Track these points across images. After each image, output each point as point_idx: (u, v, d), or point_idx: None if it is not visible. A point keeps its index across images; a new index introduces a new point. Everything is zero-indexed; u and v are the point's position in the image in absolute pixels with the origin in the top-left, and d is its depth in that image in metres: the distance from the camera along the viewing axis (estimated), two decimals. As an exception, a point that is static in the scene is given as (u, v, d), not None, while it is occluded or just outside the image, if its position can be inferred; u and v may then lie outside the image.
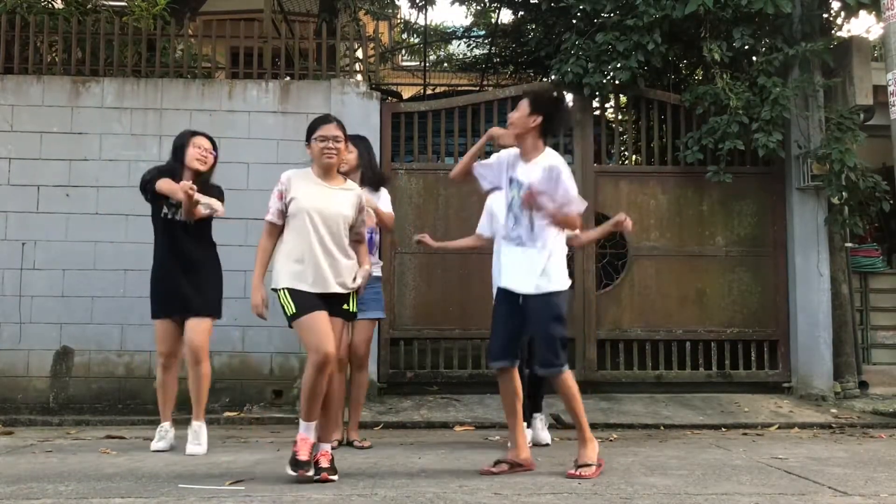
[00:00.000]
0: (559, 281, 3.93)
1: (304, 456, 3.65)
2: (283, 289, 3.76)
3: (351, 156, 4.94)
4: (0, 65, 6.58)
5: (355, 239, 3.97)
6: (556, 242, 3.96)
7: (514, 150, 4.07)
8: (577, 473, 3.79)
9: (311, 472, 3.62)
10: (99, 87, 6.54)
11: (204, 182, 4.66)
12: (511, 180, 4.00)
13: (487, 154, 4.50)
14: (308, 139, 3.90)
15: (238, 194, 5.77)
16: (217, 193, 4.72)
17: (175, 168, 4.67)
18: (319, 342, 3.65)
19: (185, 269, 4.63)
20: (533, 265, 3.89)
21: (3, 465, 4.17)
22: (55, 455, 4.48)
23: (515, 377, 4.01)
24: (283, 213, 3.85)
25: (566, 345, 3.95)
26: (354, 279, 3.86)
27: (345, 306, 3.87)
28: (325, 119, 3.93)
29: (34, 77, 6.54)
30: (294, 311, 3.72)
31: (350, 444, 4.80)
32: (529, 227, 3.92)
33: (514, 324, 3.98)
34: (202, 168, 4.67)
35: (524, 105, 3.97)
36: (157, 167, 4.83)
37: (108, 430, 5.42)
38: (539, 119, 3.93)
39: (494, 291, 4.26)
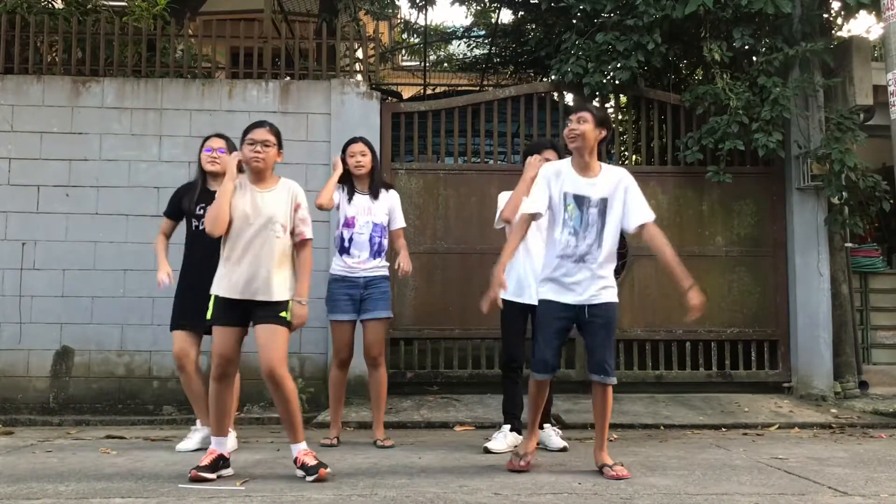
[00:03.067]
0: (616, 291, 4.02)
1: (204, 462, 3.71)
2: (213, 295, 3.83)
3: (366, 158, 4.97)
4: (0, 65, 6.58)
5: (297, 241, 3.91)
6: (614, 255, 4.02)
7: (557, 166, 4.05)
8: (617, 474, 3.81)
9: (210, 476, 3.64)
10: (99, 87, 6.54)
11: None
12: (566, 195, 3.94)
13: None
14: (241, 142, 3.89)
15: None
16: None
17: (197, 180, 4.77)
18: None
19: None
20: (602, 278, 3.93)
21: (3, 465, 4.17)
22: (55, 455, 4.48)
23: (549, 385, 4.12)
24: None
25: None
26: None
27: (282, 313, 3.85)
28: (256, 124, 3.92)
29: (34, 77, 6.54)
30: (210, 317, 3.83)
31: (374, 442, 4.85)
32: (598, 243, 3.90)
33: (564, 338, 4.02)
34: (213, 169, 4.69)
35: (590, 118, 3.92)
36: (183, 185, 4.93)
37: (108, 430, 5.42)
38: (605, 132, 3.97)
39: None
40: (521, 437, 4.66)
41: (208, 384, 3.92)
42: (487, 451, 4.57)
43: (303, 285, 3.88)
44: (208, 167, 4.69)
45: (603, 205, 3.91)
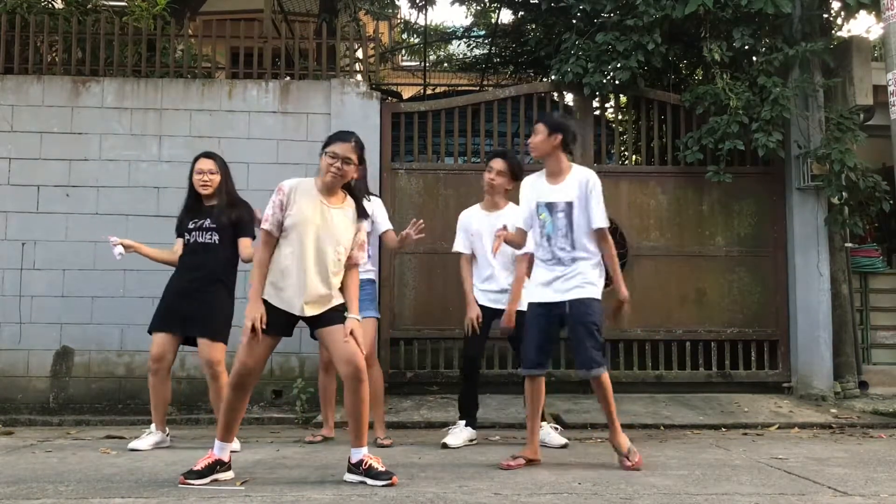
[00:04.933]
0: (599, 288, 4.20)
1: (198, 466, 3.63)
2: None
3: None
4: (0, 65, 6.58)
5: (350, 264, 3.80)
6: (595, 252, 4.20)
7: (531, 179, 4.33)
8: (632, 464, 4.02)
9: (199, 481, 3.55)
10: (99, 87, 6.54)
11: (228, 201, 4.78)
12: (538, 205, 4.22)
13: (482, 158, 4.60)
14: (323, 149, 3.75)
15: (238, 194, 5.76)
16: (244, 211, 4.81)
17: (191, 198, 4.83)
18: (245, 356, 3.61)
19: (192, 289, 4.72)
20: (580, 274, 4.14)
21: (3, 465, 4.17)
22: (55, 455, 4.48)
23: (543, 384, 4.28)
24: (281, 225, 3.68)
25: (603, 346, 4.23)
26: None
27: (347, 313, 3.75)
28: (343, 137, 3.75)
29: (34, 77, 6.54)
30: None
31: (373, 441, 4.83)
32: (570, 244, 4.15)
33: (551, 334, 4.24)
34: (206, 192, 4.76)
35: (542, 128, 4.20)
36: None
37: (108, 430, 5.42)
38: (559, 137, 4.20)
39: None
40: (475, 431, 4.95)
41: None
42: (445, 445, 4.76)
43: (354, 303, 3.77)
44: (201, 191, 4.77)
45: (569, 208, 4.18)
